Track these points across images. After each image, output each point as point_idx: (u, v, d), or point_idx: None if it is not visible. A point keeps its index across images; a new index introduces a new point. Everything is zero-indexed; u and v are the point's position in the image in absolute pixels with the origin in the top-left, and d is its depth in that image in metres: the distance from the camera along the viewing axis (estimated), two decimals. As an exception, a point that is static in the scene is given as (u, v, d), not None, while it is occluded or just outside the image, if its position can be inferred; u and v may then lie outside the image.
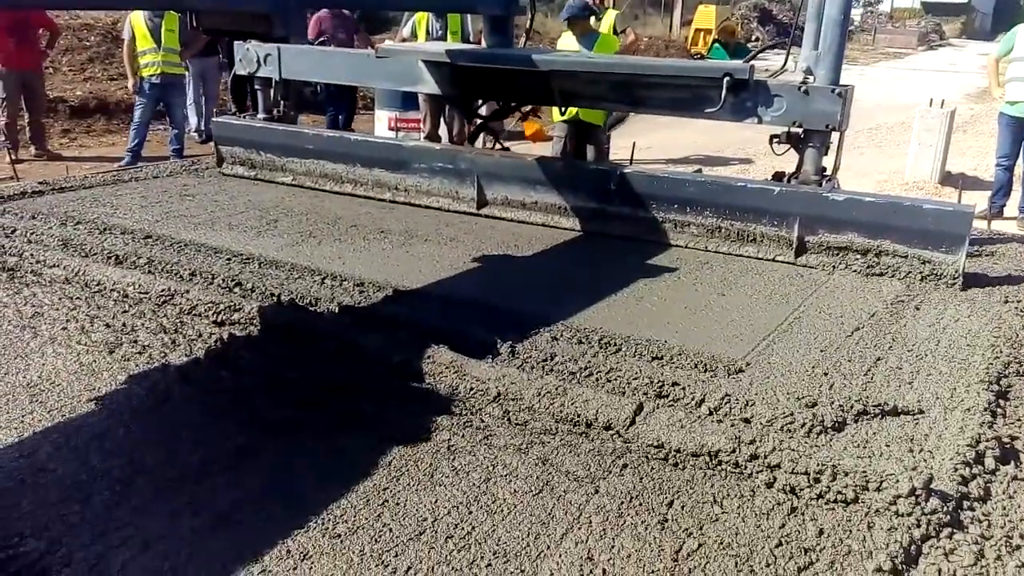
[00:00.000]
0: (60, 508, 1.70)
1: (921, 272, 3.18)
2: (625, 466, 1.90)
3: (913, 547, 1.61)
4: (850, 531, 1.68)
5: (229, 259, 3.21)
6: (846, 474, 1.78)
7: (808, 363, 2.44)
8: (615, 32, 8.04)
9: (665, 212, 3.64)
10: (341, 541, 1.62)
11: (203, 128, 10.25)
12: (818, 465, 1.80)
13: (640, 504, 1.76)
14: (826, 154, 3.48)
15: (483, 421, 2.10)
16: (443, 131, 8.58)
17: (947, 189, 9.11)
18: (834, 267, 3.31)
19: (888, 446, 1.98)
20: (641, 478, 1.85)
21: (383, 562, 1.56)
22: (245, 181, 4.61)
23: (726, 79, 3.31)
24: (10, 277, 3.00)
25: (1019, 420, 2.16)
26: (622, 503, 1.76)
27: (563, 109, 6.41)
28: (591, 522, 1.69)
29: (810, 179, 3.45)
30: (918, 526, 1.65)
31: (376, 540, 1.63)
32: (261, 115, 4.70)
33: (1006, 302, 2.99)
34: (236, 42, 4.38)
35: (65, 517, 1.67)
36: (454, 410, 2.15)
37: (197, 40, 9.63)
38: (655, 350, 2.48)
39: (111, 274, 2.95)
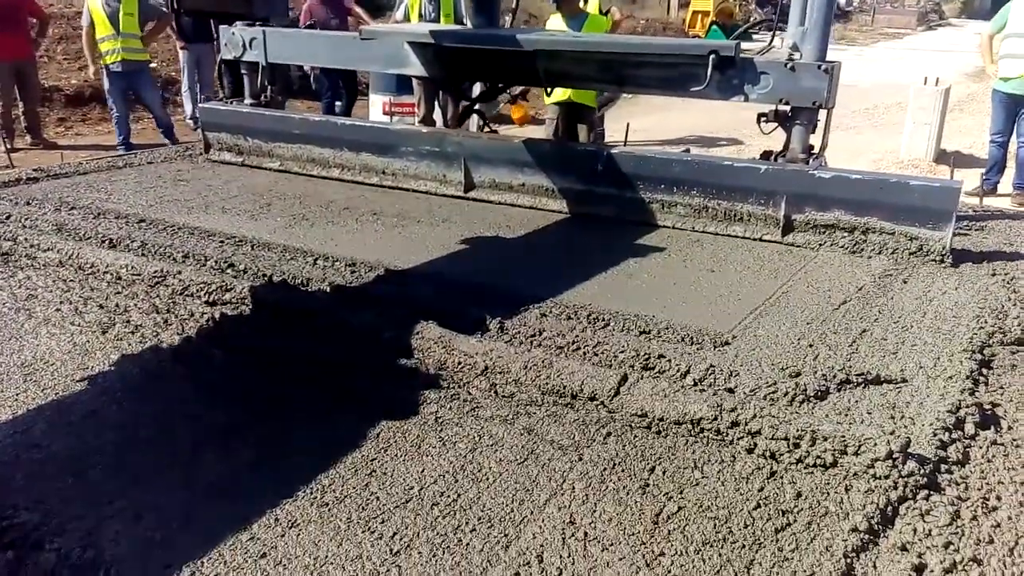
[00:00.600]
0: (54, 482, 1.73)
1: (908, 249, 3.18)
2: (609, 434, 1.93)
3: (889, 508, 1.64)
4: (828, 493, 1.71)
5: (222, 242, 3.23)
6: (825, 439, 1.80)
7: (794, 335, 2.47)
8: (601, 13, 8.04)
9: (652, 192, 3.62)
10: (329, 509, 1.65)
11: (197, 115, 10.23)
12: (798, 431, 1.82)
13: (622, 470, 1.79)
14: (813, 132, 3.47)
15: (470, 394, 2.13)
16: (438, 115, 8.56)
17: (942, 167, 9.12)
18: (820, 245, 3.31)
19: (869, 413, 2.01)
20: (624, 446, 1.88)
21: (370, 528, 1.60)
22: (239, 166, 4.61)
23: (712, 57, 3.30)
24: (4, 261, 3.03)
25: (1002, 388, 2.18)
26: (605, 470, 1.79)
27: (549, 90, 6.38)
28: (574, 488, 1.72)
29: (797, 157, 3.44)
30: (895, 488, 1.68)
31: (363, 508, 1.66)
32: (248, 100, 4.65)
33: (993, 275, 3.01)
34: (222, 26, 4.36)
35: (59, 490, 1.70)
36: (442, 384, 2.17)
37: (159, 25, 9.49)
38: (642, 324, 2.50)
39: (104, 257, 2.97)
